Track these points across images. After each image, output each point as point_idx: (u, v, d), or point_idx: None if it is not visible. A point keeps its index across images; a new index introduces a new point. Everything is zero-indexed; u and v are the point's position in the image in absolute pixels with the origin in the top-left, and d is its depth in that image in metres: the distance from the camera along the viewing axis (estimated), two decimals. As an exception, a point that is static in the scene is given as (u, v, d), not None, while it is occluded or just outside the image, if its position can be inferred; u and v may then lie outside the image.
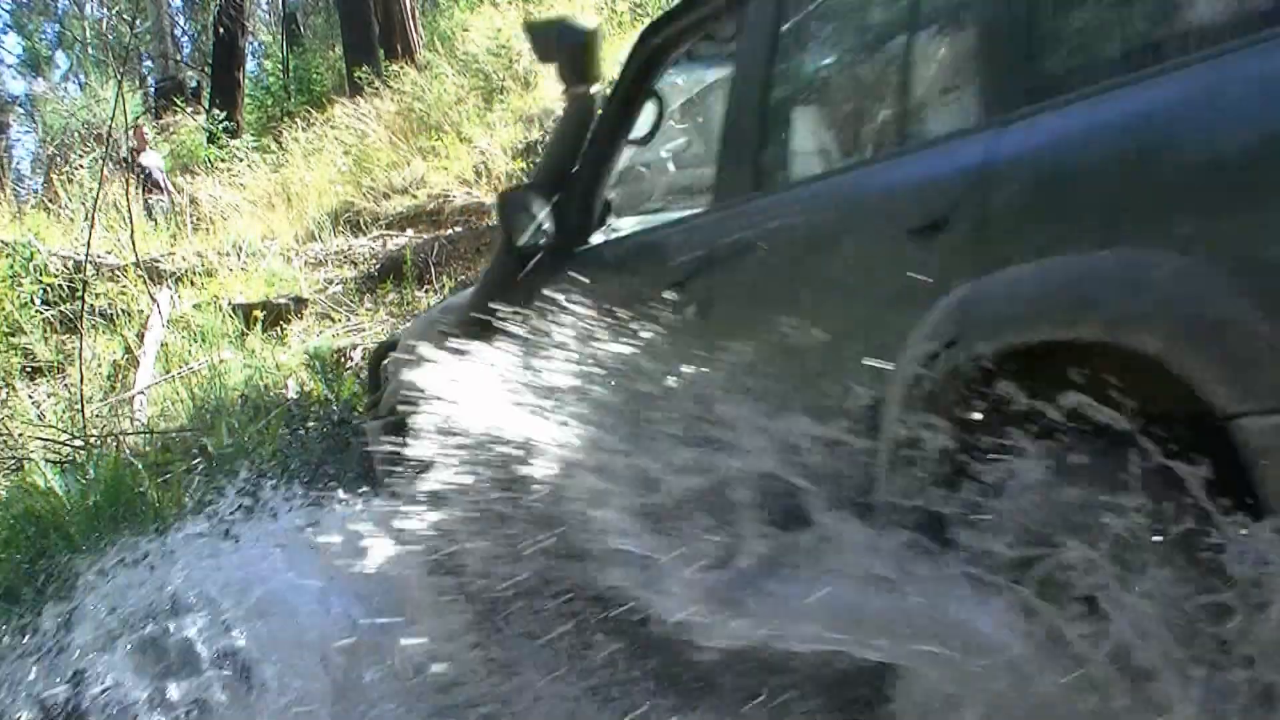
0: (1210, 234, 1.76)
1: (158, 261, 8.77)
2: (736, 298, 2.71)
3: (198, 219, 9.65)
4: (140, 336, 7.58)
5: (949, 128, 2.35)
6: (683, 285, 2.79)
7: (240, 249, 9.26)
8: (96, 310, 7.86)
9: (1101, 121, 1.97)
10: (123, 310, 7.91)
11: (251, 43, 22.20)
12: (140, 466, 4.96)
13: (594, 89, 3.33)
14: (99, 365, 7.31)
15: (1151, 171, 1.87)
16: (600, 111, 3.35)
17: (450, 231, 10.50)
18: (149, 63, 23.46)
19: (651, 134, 3.39)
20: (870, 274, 2.35)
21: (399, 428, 3.14)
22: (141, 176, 11.47)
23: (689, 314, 2.74)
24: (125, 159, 11.86)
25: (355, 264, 9.18)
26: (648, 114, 3.34)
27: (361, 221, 10.69)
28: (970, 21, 2.34)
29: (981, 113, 2.23)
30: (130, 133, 12.30)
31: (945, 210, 2.15)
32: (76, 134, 18.24)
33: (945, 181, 2.22)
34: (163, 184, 12.11)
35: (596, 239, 3.36)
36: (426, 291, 8.45)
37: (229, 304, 7.91)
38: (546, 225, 3.27)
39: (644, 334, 2.70)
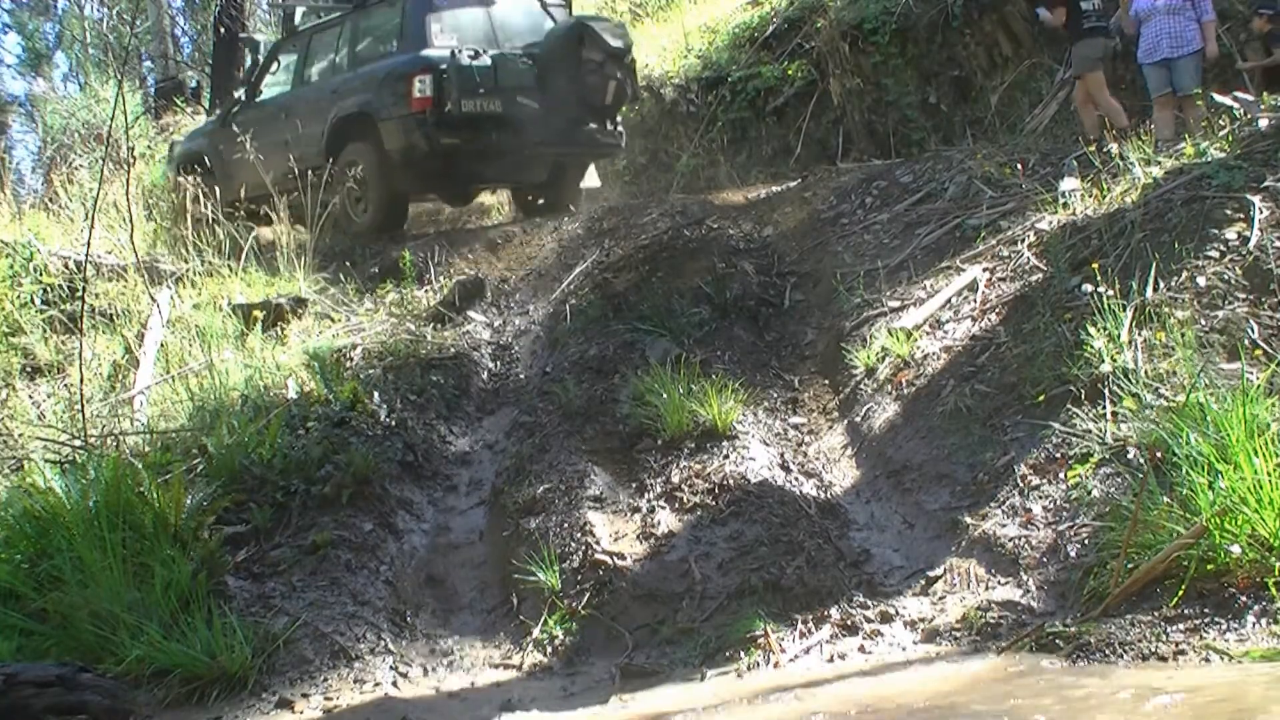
0: None
1: (158, 261, 8.77)
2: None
3: (198, 219, 9.64)
4: (140, 336, 7.58)
5: None
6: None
7: (240, 249, 9.26)
8: (96, 310, 7.86)
9: None
10: (123, 310, 7.91)
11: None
12: (140, 466, 4.95)
13: None
14: (99, 365, 7.30)
15: None
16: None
17: (449, 231, 10.50)
18: (149, 63, 23.45)
19: None
20: None
21: None
22: None
23: None
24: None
25: (355, 264, 9.18)
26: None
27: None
28: None
29: None
30: None
31: None
32: (76, 134, 18.20)
33: None
34: None
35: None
36: (426, 291, 8.45)
37: (229, 304, 7.91)
38: None
39: None
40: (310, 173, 9.19)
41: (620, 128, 10.64)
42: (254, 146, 9.14)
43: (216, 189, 9.44)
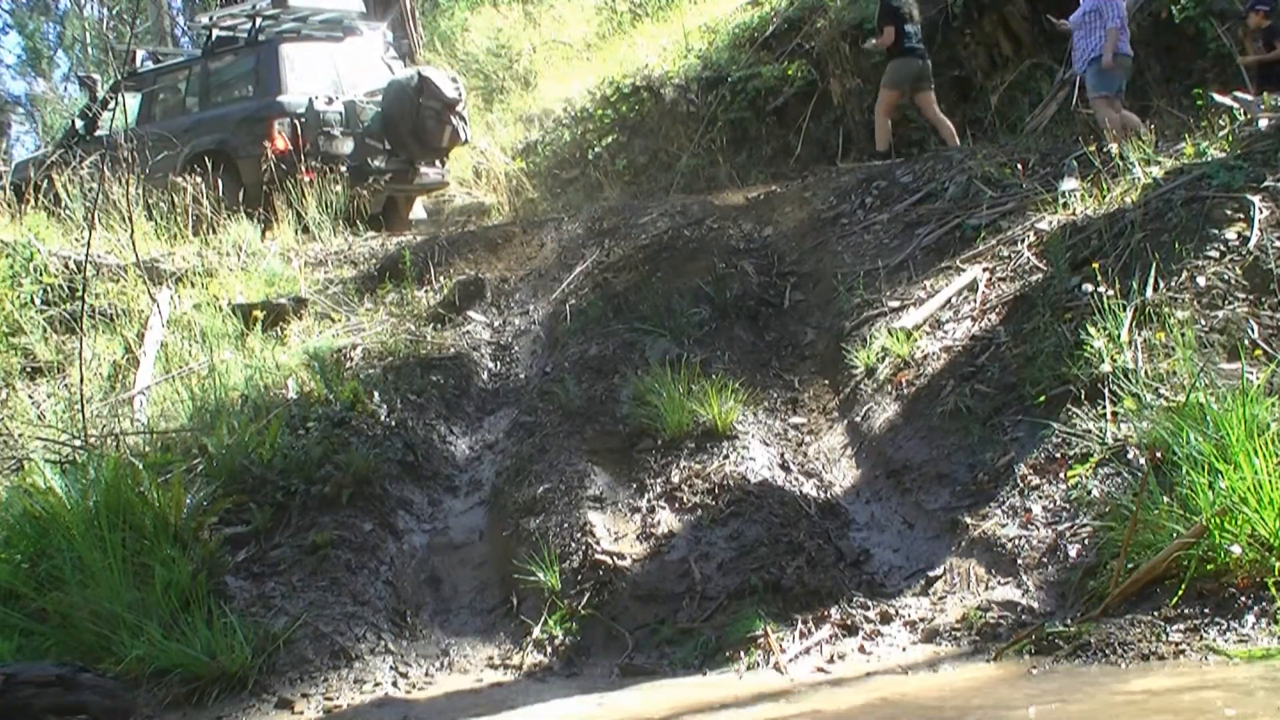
0: None
1: (158, 261, 8.77)
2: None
3: (198, 219, 9.64)
4: (140, 336, 7.58)
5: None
6: None
7: (240, 249, 9.26)
8: (96, 310, 7.86)
9: None
10: (123, 310, 7.91)
11: (251, 43, 22.13)
12: (140, 466, 4.95)
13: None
14: (99, 365, 7.30)
15: None
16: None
17: (450, 231, 10.50)
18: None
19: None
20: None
21: None
22: None
23: None
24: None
25: (355, 264, 9.18)
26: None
27: (361, 221, 10.72)
28: None
29: None
30: None
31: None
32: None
33: None
34: None
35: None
36: (426, 291, 8.44)
37: (229, 304, 7.91)
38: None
39: None
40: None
41: (448, 167, 12.12)
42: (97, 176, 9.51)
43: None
